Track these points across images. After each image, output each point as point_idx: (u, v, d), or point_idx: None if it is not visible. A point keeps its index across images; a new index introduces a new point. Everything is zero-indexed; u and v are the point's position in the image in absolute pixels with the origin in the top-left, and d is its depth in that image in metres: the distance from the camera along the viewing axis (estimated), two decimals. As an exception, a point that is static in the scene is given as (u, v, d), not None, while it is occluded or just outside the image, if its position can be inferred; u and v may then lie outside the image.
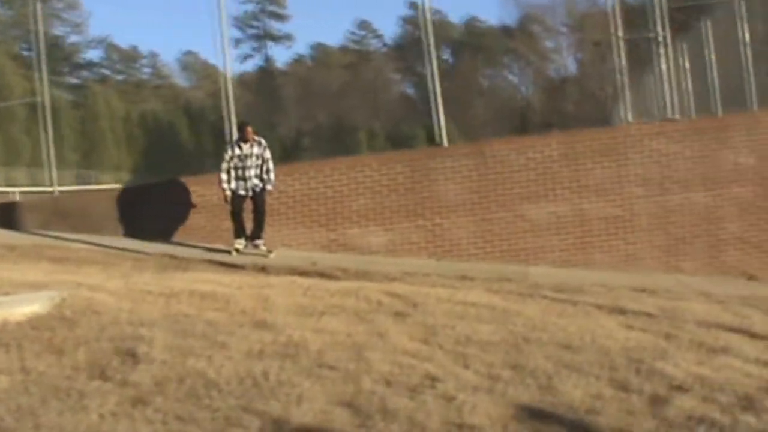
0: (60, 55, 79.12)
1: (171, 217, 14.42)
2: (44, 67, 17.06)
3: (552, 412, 4.72)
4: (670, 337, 6.51)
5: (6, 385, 4.99)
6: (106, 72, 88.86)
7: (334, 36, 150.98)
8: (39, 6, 16.62)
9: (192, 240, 14.09)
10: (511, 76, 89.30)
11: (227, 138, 14.69)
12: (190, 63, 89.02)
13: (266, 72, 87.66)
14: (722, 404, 4.85)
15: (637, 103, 28.67)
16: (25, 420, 4.51)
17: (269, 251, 13.08)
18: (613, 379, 5.29)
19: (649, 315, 7.55)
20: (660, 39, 14.55)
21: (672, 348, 6.13)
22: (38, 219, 15.34)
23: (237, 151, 13.11)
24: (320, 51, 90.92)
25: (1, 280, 8.12)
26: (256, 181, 13.16)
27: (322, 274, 10.63)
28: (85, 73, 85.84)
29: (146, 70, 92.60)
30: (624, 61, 15.04)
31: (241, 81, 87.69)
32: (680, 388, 5.12)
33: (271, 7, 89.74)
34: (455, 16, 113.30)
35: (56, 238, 14.07)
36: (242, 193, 13.16)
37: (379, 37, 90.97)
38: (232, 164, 13.12)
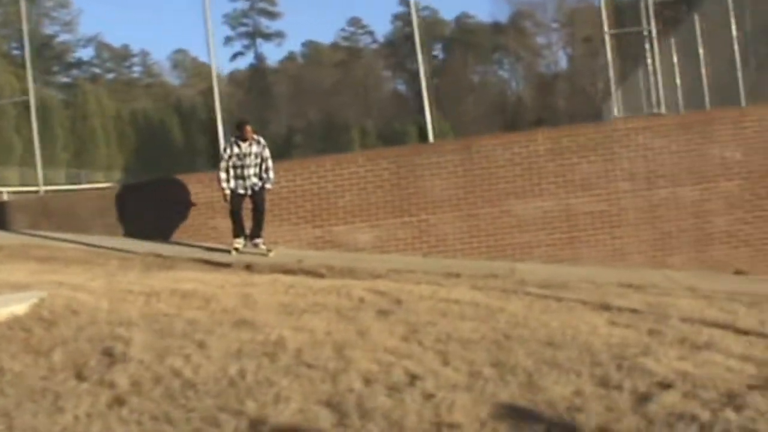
0: (50, 54, 79.02)
1: (159, 215, 14.39)
2: (30, 66, 16.99)
3: (532, 410, 4.68)
4: (653, 333, 6.46)
5: (-20, 387, 4.95)
6: (97, 70, 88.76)
7: (326, 33, 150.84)
8: (24, 4, 16.53)
9: (180, 239, 14.06)
10: (502, 72, 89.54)
11: (218, 136, 14.65)
12: (181, 61, 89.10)
13: (258, 70, 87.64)
14: (704, 400, 4.80)
15: (628, 98, 28.72)
16: (-2, 422, 4.48)
17: (269, 250, 13.02)
18: (595, 376, 5.24)
19: (634, 311, 7.51)
20: (646, 34, 14.52)
21: (655, 344, 6.08)
22: (26, 219, 15.29)
23: (236, 149, 13.04)
24: (312, 48, 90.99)
25: (-16, 281, 8.08)
26: (255, 179, 13.10)
27: (307, 272, 10.58)
28: (75, 72, 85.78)
29: (137, 68, 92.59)
30: (611, 57, 15.02)
31: (233, 79, 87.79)
32: (662, 385, 5.07)
33: (262, 5, 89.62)
34: (447, 12, 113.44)
35: (44, 237, 14.02)
36: (241, 192, 13.10)
37: (370, 33, 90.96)
38: (230, 163, 13.06)
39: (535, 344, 5.95)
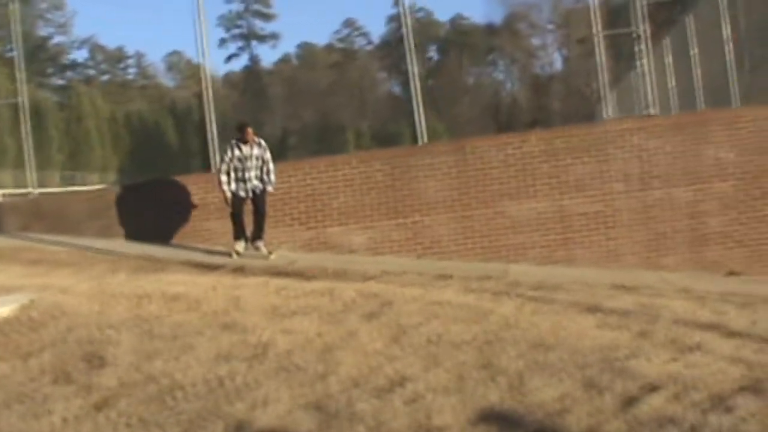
0: (45, 56, 78.93)
1: (152, 217, 14.33)
2: (22, 68, 16.95)
3: (519, 413, 4.67)
4: (644, 334, 6.44)
5: (-33, 390, 4.93)
6: (92, 72, 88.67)
7: (321, 35, 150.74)
8: (16, 6, 16.49)
9: (173, 240, 14.00)
10: (497, 74, 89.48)
11: (208, 137, 14.63)
12: (176, 63, 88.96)
13: (252, 71, 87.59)
14: (692, 402, 4.79)
15: (623, 99, 28.74)
16: (-15, 425, 4.46)
17: (270, 253, 12.97)
18: (584, 378, 5.23)
19: (625, 312, 7.49)
20: (637, 35, 14.51)
21: (646, 346, 6.07)
22: (18, 221, 15.23)
23: (237, 152, 12.99)
24: (306, 50, 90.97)
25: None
26: (256, 182, 13.04)
27: (299, 274, 10.53)
28: (70, 74, 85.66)
29: (132, 70, 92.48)
30: (603, 58, 15.00)
31: (228, 80, 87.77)
32: (651, 387, 5.06)
33: (257, 6, 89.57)
34: (442, 14, 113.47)
35: (35, 240, 13.97)
36: (242, 194, 13.05)
37: (365, 35, 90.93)
38: (232, 166, 13.01)
39: (525, 346, 5.93)
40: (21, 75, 16.87)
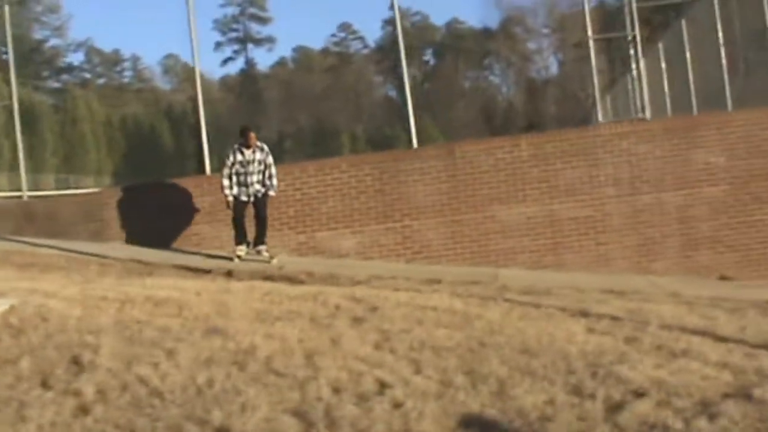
0: (40, 59, 78.94)
1: (142, 220, 14.30)
2: (13, 71, 16.91)
3: (502, 419, 4.61)
4: (631, 340, 6.39)
5: (-56, 396, 4.87)
6: (87, 75, 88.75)
7: (317, 39, 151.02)
8: (5, 9, 16.46)
9: (163, 244, 13.96)
10: (493, 78, 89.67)
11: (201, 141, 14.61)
12: (172, 66, 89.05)
13: (248, 75, 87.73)
14: (677, 409, 4.74)
15: (618, 103, 28.74)
16: (-42, 432, 4.40)
17: (272, 257, 12.95)
18: (569, 384, 5.18)
19: (613, 318, 7.44)
20: (630, 39, 14.50)
21: (632, 351, 6.02)
22: (10, 224, 15.19)
23: (239, 157, 13.00)
24: (302, 54, 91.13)
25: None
26: (258, 186, 13.05)
27: (287, 279, 10.51)
28: (66, 77, 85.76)
29: (128, 73, 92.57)
30: (596, 62, 14.99)
31: (224, 84, 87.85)
32: (636, 393, 5.01)
33: (252, 10, 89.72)
34: (437, 18, 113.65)
35: (26, 243, 13.93)
36: (244, 199, 13.06)
37: (361, 39, 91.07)
38: (233, 170, 13.00)
39: (510, 352, 5.88)
40: (13, 78, 16.83)
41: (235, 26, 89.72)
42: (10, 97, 17.30)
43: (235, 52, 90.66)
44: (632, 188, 13.54)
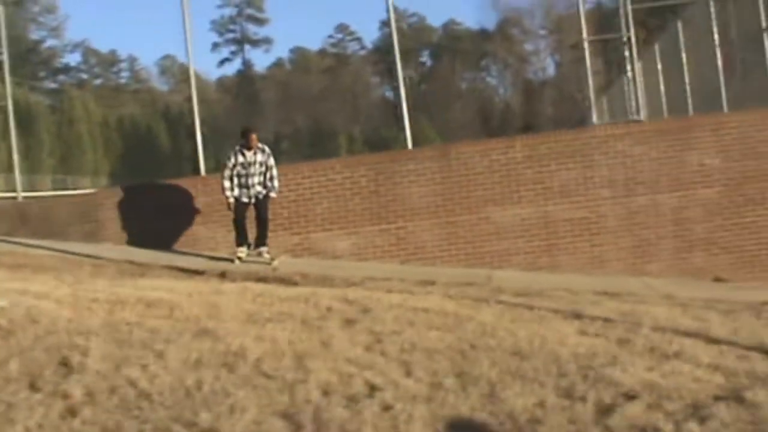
0: (37, 60, 78.89)
1: (137, 221, 14.27)
2: (7, 70, 16.89)
3: (492, 422, 4.60)
4: (623, 342, 6.37)
5: (-69, 398, 4.85)
6: (84, 76, 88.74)
7: (314, 40, 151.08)
8: (1, 9, 16.43)
9: (157, 245, 13.93)
10: (490, 79, 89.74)
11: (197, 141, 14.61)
12: (169, 67, 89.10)
13: (245, 76, 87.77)
14: (668, 412, 4.72)
15: (614, 105, 28.73)
16: (-57, 435, 4.38)
17: (273, 259, 12.93)
18: (560, 387, 5.16)
19: (606, 319, 7.42)
20: (628, 39, 14.48)
21: (624, 353, 6.00)
22: (4, 225, 15.15)
23: (240, 158, 12.97)
24: (299, 55, 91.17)
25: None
26: (259, 188, 13.03)
27: (281, 280, 10.47)
28: (62, 78, 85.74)
29: (124, 74, 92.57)
30: (590, 64, 14.98)
31: (221, 85, 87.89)
32: (627, 396, 4.99)
33: (250, 11, 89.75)
34: (434, 19, 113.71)
35: (19, 244, 13.89)
36: (245, 200, 13.03)
37: (358, 40, 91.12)
38: (235, 172, 12.98)
39: (501, 354, 5.86)
40: (5, 77, 16.81)
41: (232, 27, 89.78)
42: (6, 98, 17.27)
43: (232, 53, 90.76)
44: (627, 190, 13.53)
